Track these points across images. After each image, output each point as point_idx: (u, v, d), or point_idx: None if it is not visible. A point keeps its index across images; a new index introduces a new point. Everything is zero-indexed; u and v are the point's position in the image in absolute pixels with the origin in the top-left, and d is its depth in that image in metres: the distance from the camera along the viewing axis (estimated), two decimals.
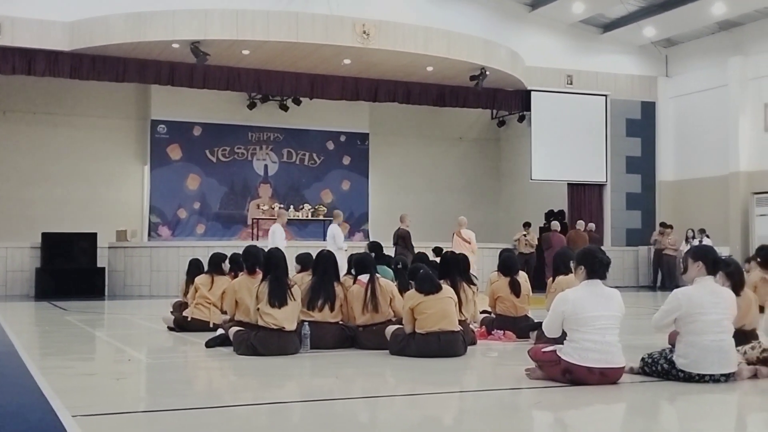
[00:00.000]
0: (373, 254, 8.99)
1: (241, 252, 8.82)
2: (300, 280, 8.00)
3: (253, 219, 21.12)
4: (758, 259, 8.41)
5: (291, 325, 7.18)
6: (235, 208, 21.74)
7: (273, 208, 20.88)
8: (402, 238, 16.68)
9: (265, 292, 7.15)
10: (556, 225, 19.63)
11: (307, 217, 21.17)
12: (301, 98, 20.64)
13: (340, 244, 15.56)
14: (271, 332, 7.08)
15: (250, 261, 8.07)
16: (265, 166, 22.20)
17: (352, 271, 8.04)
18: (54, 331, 10.04)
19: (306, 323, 7.44)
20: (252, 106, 21.50)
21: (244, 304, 7.68)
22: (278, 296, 7.12)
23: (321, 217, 21.38)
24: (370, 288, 7.69)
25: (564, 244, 18.38)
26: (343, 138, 23.06)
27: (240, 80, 18.55)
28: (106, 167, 20.99)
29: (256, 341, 7.07)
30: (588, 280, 5.59)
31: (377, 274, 7.89)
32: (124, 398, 5.29)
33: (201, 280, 9.53)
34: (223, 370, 6.69)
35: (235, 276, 9.08)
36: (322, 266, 7.88)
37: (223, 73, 18.30)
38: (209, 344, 7.73)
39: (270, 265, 7.36)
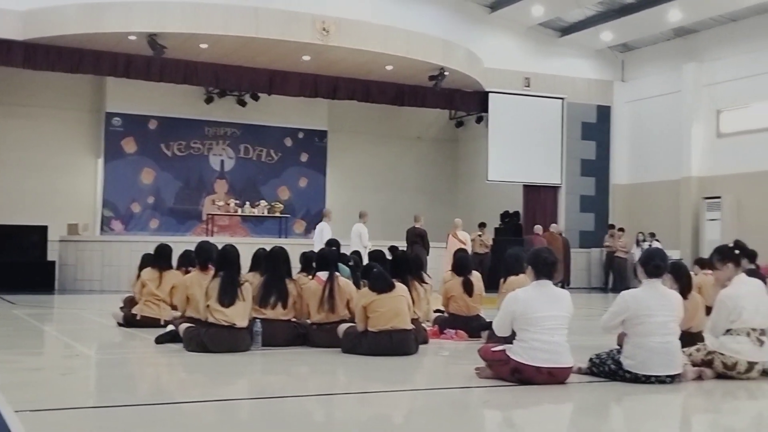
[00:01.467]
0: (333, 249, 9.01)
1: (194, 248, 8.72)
2: (252, 278, 7.95)
3: (208, 215, 20.93)
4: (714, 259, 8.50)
5: (242, 322, 7.14)
6: (190, 204, 21.53)
7: (228, 204, 20.76)
8: (420, 237, 17.22)
9: (215, 289, 7.10)
10: (538, 228, 19.99)
11: (264, 213, 21.05)
12: (260, 94, 20.52)
13: (365, 242, 16.07)
14: (221, 329, 7.03)
15: (203, 257, 8.00)
16: (222, 162, 22.02)
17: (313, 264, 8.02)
18: (0, 325, 9.85)
19: (257, 320, 7.40)
20: (209, 100, 21.32)
21: (195, 301, 7.62)
22: (228, 294, 7.08)
23: (277, 214, 21.28)
24: (329, 287, 7.68)
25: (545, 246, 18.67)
26: (301, 135, 22.98)
27: (197, 74, 18.38)
28: (58, 159, 20.64)
29: (207, 338, 7.02)
30: (537, 280, 5.65)
31: (337, 273, 7.87)
32: (70, 394, 5.21)
33: (148, 275, 9.33)
34: (173, 367, 6.63)
35: (188, 272, 8.98)
36: (273, 263, 7.84)
37: (180, 67, 18.11)
38: (159, 340, 7.67)
39: (222, 262, 7.31)
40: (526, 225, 21.97)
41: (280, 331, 7.61)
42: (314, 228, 22.65)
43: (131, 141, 21.02)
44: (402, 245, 16.00)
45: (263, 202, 21.13)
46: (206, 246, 8.24)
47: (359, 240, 16.06)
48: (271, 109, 21.80)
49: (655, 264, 5.74)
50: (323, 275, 7.79)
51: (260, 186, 22.32)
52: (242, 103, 21.44)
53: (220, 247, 7.70)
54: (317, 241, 15.23)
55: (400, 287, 7.39)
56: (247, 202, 21.03)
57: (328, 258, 7.97)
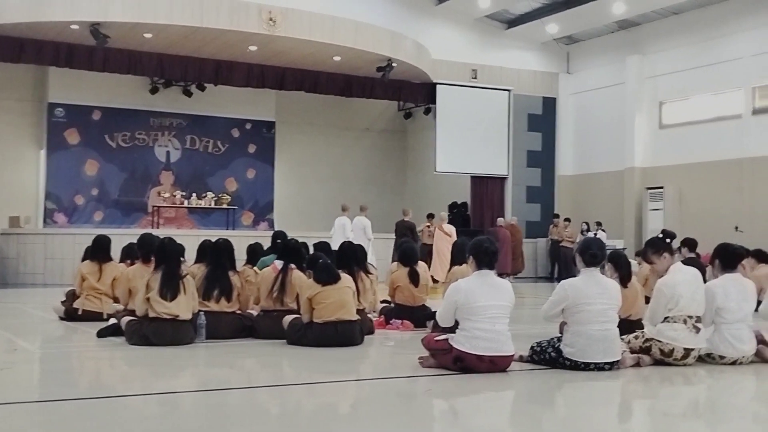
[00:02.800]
0: (278, 241, 8.98)
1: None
2: (196, 270, 7.90)
3: (154, 207, 20.71)
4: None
5: (185, 314, 7.10)
6: (136, 196, 21.26)
7: (174, 196, 20.54)
8: (410, 230, 17.58)
9: (156, 282, 7.04)
10: (505, 220, 20.29)
11: (210, 205, 20.91)
12: (206, 84, 20.33)
13: (369, 235, 16.39)
14: (164, 322, 6.98)
15: (145, 249, 7.92)
16: (168, 153, 21.78)
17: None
18: None
19: (201, 313, 7.36)
20: (154, 90, 21.05)
21: (137, 294, 7.53)
22: (169, 287, 7.03)
23: (224, 206, 21.15)
24: (281, 277, 7.69)
25: (508, 239, 19.42)
26: (248, 126, 22.83)
27: (142, 64, 18.13)
28: None
29: (150, 331, 6.97)
30: (479, 270, 5.71)
31: (292, 265, 7.84)
32: (10, 389, 5.12)
33: (87, 268, 9.15)
34: (115, 360, 6.56)
35: (132, 265, 8.87)
36: (217, 256, 7.81)
37: (124, 57, 17.84)
38: (101, 334, 7.58)
39: (161, 256, 7.26)
40: (474, 215, 22.17)
41: (225, 324, 7.58)
42: (263, 220, 22.75)
43: (74, 132, 20.66)
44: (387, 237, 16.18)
45: (210, 194, 20.97)
46: (148, 238, 8.17)
47: (363, 233, 16.20)
48: (217, 99, 21.61)
49: (592, 253, 5.85)
50: (279, 264, 7.79)
51: (207, 178, 22.13)
52: (188, 94, 21.21)
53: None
54: (338, 236, 15.39)
55: (345, 278, 7.41)
56: (194, 194, 20.86)
57: (289, 248, 7.96)
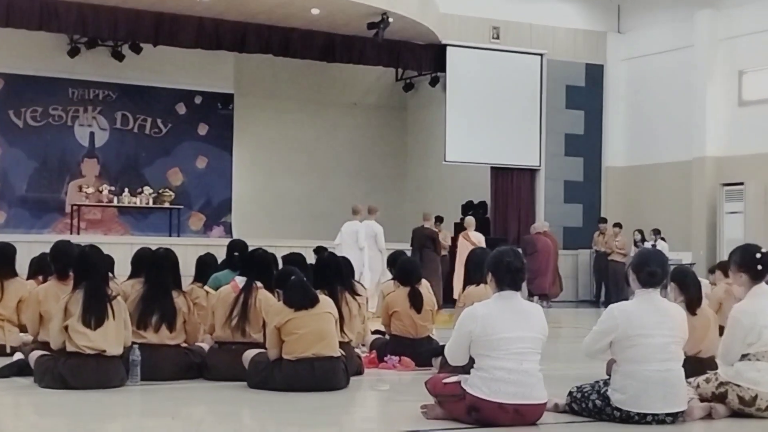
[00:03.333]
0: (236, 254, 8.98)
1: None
2: (130, 289, 7.89)
3: (73, 205, 20.66)
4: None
5: (114, 348, 7.08)
6: (49, 191, 21.20)
7: (101, 191, 20.50)
8: (431, 240, 17.81)
9: (77, 304, 7.02)
10: (543, 225, 20.51)
11: (148, 204, 20.84)
12: (142, 44, 20.28)
13: (381, 245, 16.47)
14: (86, 358, 6.95)
15: (61, 262, 7.90)
16: (91, 135, 21.71)
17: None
18: None
19: (136, 346, 7.34)
20: (74, 52, 20.99)
21: (50, 320, 7.52)
22: (94, 311, 7.00)
23: (167, 205, 21.10)
24: (243, 297, 7.70)
25: (551, 250, 19.86)
26: (198, 99, 22.78)
27: (58, 17, 18.06)
28: None
29: (66, 370, 6.93)
30: (500, 291, 5.72)
31: (258, 284, 7.85)
32: None
33: None
34: (21, 408, 6.55)
35: (44, 282, 8.86)
36: (157, 271, 7.80)
37: (34, 7, 17.78)
38: (3, 373, 7.55)
39: (83, 268, 7.24)
40: (496, 219, 22.16)
41: (166, 360, 7.56)
42: (218, 224, 22.71)
43: None
44: (397, 247, 16.29)
45: (148, 190, 20.90)
46: (65, 247, 8.14)
47: (374, 241, 16.30)
48: (157, 64, 21.55)
49: (650, 270, 5.85)
50: (241, 281, 7.82)
51: (143, 168, 22.08)
52: (119, 57, 21.16)
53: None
54: (348, 247, 15.72)
55: (325, 301, 7.40)
56: (126, 189, 20.79)
57: (258, 260, 8.02)
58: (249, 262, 8.14)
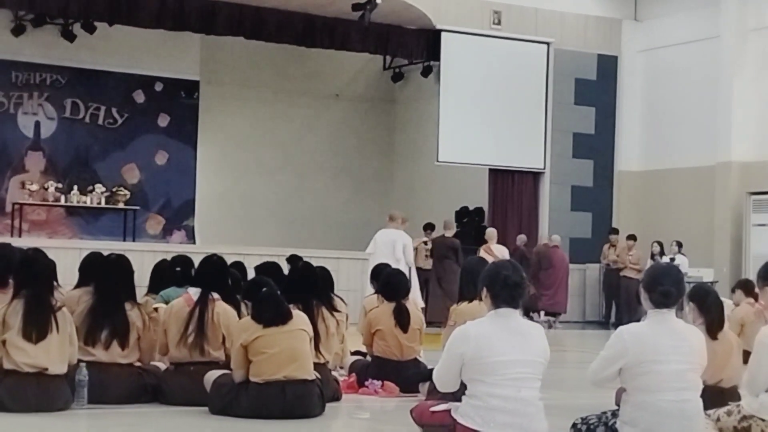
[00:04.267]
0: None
1: None
2: (76, 300, 7.86)
3: (14, 204, 20.60)
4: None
5: (57, 366, 7.06)
6: None
7: (46, 189, 20.43)
8: (453, 251, 18.16)
9: (16, 315, 7.00)
10: (557, 238, 20.80)
11: (100, 204, 20.79)
12: (96, 23, 20.24)
13: (409, 257, 16.61)
14: (25, 377, 6.94)
15: (0, 267, 7.87)
16: (37, 124, 21.64)
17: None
18: None
19: (83, 365, 7.32)
20: (19, 30, 20.92)
21: None
22: (35, 325, 6.99)
23: (121, 205, 21.05)
24: (199, 311, 7.69)
25: (566, 265, 20.38)
26: (159, 87, 22.73)
27: None
28: None
29: (3, 391, 6.92)
30: (496, 309, 5.72)
31: (215, 295, 7.85)
32: None
33: None
34: None
35: None
36: (108, 279, 7.79)
37: None
38: None
39: (25, 275, 7.22)
40: (495, 227, 22.16)
41: (118, 381, 7.55)
42: (179, 228, 22.66)
43: None
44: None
45: (100, 188, 20.86)
46: (5, 251, 8.12)
47: (402, 253, 16.31)
48: (113, 46, 21.51)
49: (663, 290, 5.86)
50: (195, 293, 7.80)
51: (96, 163, 22.02)
52: (70, 37, 21.10)
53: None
54: (384, 257, 15.54)
55: (299, 317, 7.41)
56: (75, 187, 20.74)
57: (214, 268, 8.04)
58: (203, 271, 8.12)
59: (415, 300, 13.62)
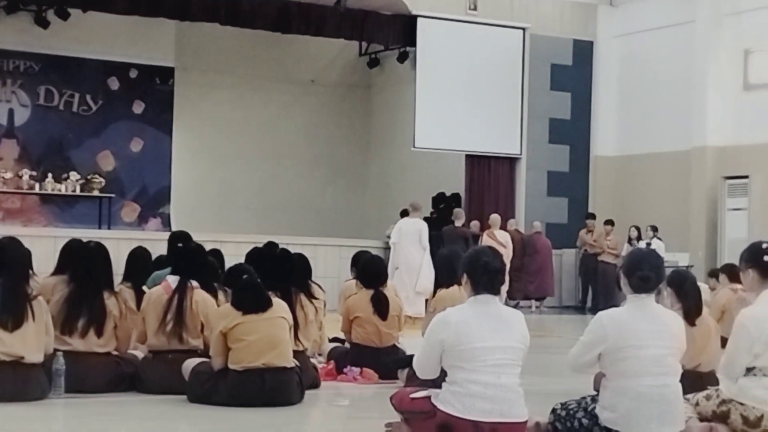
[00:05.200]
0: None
1: None
2: (51, 288, 7.82)
3: None
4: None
5: (33, 355, 7.04)
6: None
7: (20, 177, 20.34)
8: (466, 241, 17.97)
9: None
10: (537, 225, 21.11)
11: (75, 191, 20.72)
12: (70, 9, 20.13)
13: (425, 242, 16.67)
14: (1, 366, 6.92)
15: None
16: (10, 112, 21.52)
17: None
18: None
19: (60, 354, 7.29)
20: None
21: None
22: (11, 313, 6.97)
23: (96, 193, 20.97)
24: (177, 299, 7.68)
25: (550, 250, 20.75)
26: (134, 73, 22.64)
27: None
28: None
29: None
30: (476, 295, 5.71)
31: (194, 282, 7.84)
32: None
33: None
34: None
35: None
36: (85, 267, 7.76)
37: None
38: None
39: (1, 262, 7.18)
40: (471, 214, 22.19)
41: (95, 370, 7.53)
42: (154, 216, 22.60)
43: None
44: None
45: (74, 175, 20.78)
46: None
47: (418, 240, 16.53)
48: (87, 33, 21.40)
49: (642, 275, 5.86)
50: (173, 280, 7.79)
51: (70, 150, 21.92)
52: (43, 23, 20.99)
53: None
54: (409, 247, 16.08)
55: (279, 305, 7.40)
56: (50, 175, 20.65)
57: (195, 255, 8.00)
58: (181, 258, 8.11)
59: (425, 286, 13.93)
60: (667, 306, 6.80)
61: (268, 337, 7.14)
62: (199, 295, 7.81)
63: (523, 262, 20.60)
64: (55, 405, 7.01)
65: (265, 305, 7.22)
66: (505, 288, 18.70)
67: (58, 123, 21.99)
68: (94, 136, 22.28)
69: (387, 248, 19.28)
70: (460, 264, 5.98)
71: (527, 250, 20.73)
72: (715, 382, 6.68)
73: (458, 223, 19.13)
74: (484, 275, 5.68)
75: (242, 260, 8.63)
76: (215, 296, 8.33)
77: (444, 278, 8.34)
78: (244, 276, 7.45)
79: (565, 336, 14.44)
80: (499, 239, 18.60)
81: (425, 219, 20.36)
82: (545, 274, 21.00)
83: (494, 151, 22.13)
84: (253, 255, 9.01)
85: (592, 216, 21.96)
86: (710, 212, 20.85)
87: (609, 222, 21.49)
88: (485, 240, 18.58)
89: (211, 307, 7.83)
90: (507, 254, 18.35)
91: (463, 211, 19.97)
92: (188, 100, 23.40)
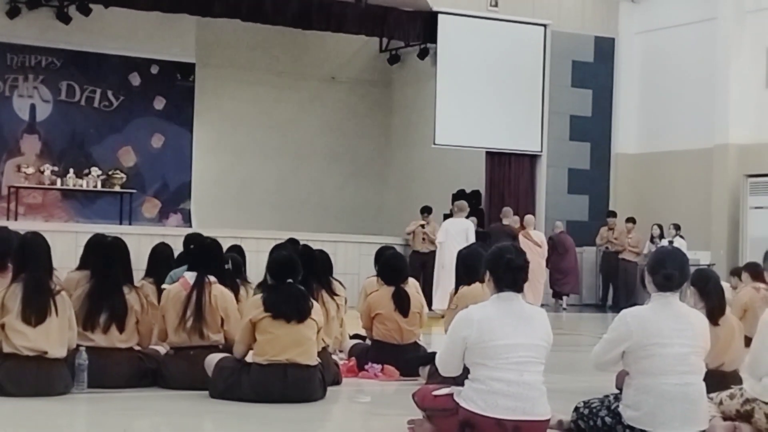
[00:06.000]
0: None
1: None
2: (75, 283, 7.84)
3: (10, 187, 20.56)
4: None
5: (56, 350, 7.06)
6: None
7: (42, 172, 20.41)
8: (514, 239, 18.14)
9: (15, 299, 7.00)
10: (559, 225, 21.20)
11: (96, 187, 20.76)
12: (92, 5, 20.18)
13: (472, 241, 16.59)
14: (25, 361, 6.94)
15: None
16: (32, 107, 21.57)
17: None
18: None
19: (82, 349, 7.32)
20: (14, 13, 20.85)
21: None
22: (35, 308, 6.98)
23: (117, 188, 21.02)
24: (196, 294, 7.69)
25: (574, 246, 21.01)
26: (155, 69, 22.66)
27: None
28: None
29: (2, 375, 6.93)
30: (499, 293, 5.71)
31: (211, 278, 7.87)
32: None
33: None
34: None
35: None
36: (106, 262, 7.78)
37: None
38: None
39: (24, 258, 7.21)
40: (491, 211, 22.16)
41: (117, 365, 7.55)
42: (175, 211, 22.64)
43: None
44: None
45: (95, 171, 20.82)
46: (4, 234, 8.10)
47: (465, 240, 16.58)
48: (109, 29, 21.45)
49: (666, 273, 5.85)
50: (191, 277, 7.80)
51: (91, 146, 21.96)
52: (65, 19, 21.04)
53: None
54: (460, 244, 15.92)
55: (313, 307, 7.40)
56: (71, 170, 20.70)
57: (208, 252, 8.01)
58: (199, 254, 8.13)
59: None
60: (690, 305, 6.79)
61: (294, 334, 7.16)
62: (217, 290, 7.83)
63: (552, 261, 20.61)
64: (77, 400, 7.03)
65: (301, 317, 7.21)
66: (543, 289, 19.08)
67: (80, 118, 22.03)
68: (116, 131, 22.31)
69: (406, 245, 19.42)
70: (481, 262, 5.99)
71: (558, 248, 20.78)
72: (739, 381, 6.67)
73: (506, 221, 19.39)
74: (508, 272, 5.69)
75: (264, 256, 8.63)
76: (237, 291, 8.37)
77: (464, 276, 8.34)
78: (289, 280, 7.41)
79: (587, 334, 14.40)
80: (534, 239, 18.80)
81: (444, 216, 20.45)
82: (573, 273, 21.17)
83: (515, 148, 22.10)
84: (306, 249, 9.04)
85: (613, 214, 21.91)
86: (732, 210, 20.77)
87: (630, 220, 21.45)
88: (522, 241, 18.57)
89: (230, 301, 7.89)
90: (542, 254, 18.87)
91: (511, 209, 20.10)
92: (209, 96, 23.44)
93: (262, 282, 8.15)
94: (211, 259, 8.09)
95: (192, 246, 9.02)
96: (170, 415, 6.71)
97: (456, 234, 17.12)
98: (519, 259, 5.75)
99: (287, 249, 9.04)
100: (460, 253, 8.96)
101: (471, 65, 21.43)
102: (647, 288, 5.99)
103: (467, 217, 18.63)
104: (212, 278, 7.87)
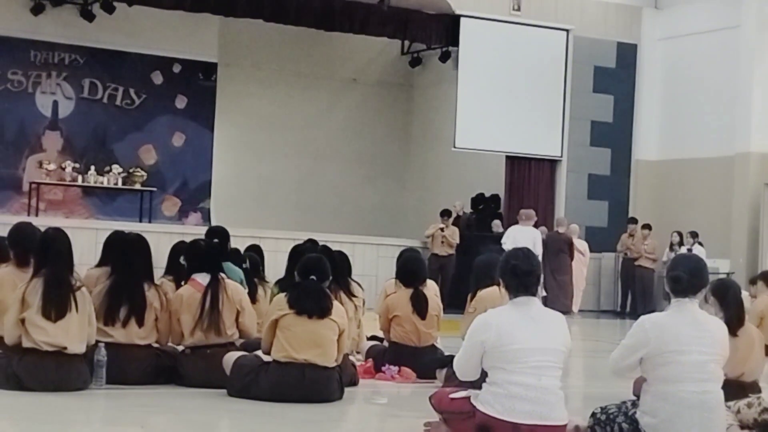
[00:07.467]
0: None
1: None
2: (95, 280, 7.86)
3: (32, 184, 20.62)
4: None
5: (76, 346, 7.08)
6: (5, 166, 21.15)
7: (63, 168, 20.46)
8: (569, 246, 19.06)
9: (36, 294, 7.01)
10: (575, 228, 21.02)
11: (117, 184, 20.78)
12: (115, 3, 20.25)
13: (539, 250, 17.49)
14: (45, 356, 6.96)
15: (20, 246, 7.86)
16: (55, 104, 21.65)
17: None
18: None
19: (101, 345, 7.34)
20: (38, 10, 20.92)
21: (6, 311, 7.51)
22: (55, 304, 7.00)
23: (137, 186, 21.04)
24: (210, 295, 7.69)
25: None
26: (177, 68, 22.71)
27: None
28: None
29: (21, 369, 6.95)
30: (515, 298, 5.70)
31: (223, 275, 7.90)
32: None
33: None
34: None
35: None
36: (126, 259, 7.79)
37: None
38: None
39: (45, 253, 7.22)
40: (510, 215, 22.14)
41: (135, 362, 7.57)
42: (195, 210, 22.69)
43: None
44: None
45: (116, 168, 20.86)
46: (26, 230, 8.10)
47: (532, 248, 16.54)
48: (132, 27, 21.51)
49: (673, 275, 5.83)
50: (202, 278, 7.80)
51: (113, 143, 22.03)
52: (89, 17, 21.11)
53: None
54: None
55: (335, 308, 7.41)
56: (92, 167, 20.74)
57: (209, 253, 7.97)
58: (210, 256, 8.09)
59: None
60: (711, 314, 6.76)
61: (314, 333, 7.17)
62: (231, 286, 7.90)
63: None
64: (96, 395, 7.05)
65: (323, 313, 7.22)
66: (581, 296, 19.30)
67: (102, 116, 22.10)
68: (137, 129, 22.38)
69: (425, 248, 19.40)
70: (495, 268, 6.03)
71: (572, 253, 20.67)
72: (758, 391, 6.65)
73: (561, 230, 19.82)
74: (514, 278, 5.71)
75: (283, 256, 8.66)
76: (255, 290, 8.37)
77: (483, 279, 8.31)
78: (312, 276, 7.42)
79: (605, 340, 14.37)
80: (578, 248, 19.12)
81: (457, 218, 20.49)
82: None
83: (535, 153, 22.08)
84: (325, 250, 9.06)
85: (634, 220, 21.85)
86: (752, 219, 20.71)
87: (646, 226, 21.42)
88: None
89: (243, 294, 7.97)
90: (585, 262, 19.45)
91: (565, 218, 20.53)
92: (230, 96, 23.47)
93: (281, 279, 8.15)
94: (220, 257, 8.14)
95: (215, 239, 9.05)
96: (187, 412, 6.72)
97: (524, 242, 16.85)
98: (525, 264, 5.74)
99: (315, 251, 9.06)
100: (477, 260, 8.95)
101: (492, 69, 21.42)
102: (669, 293, 5.98)
103: (535, 226, 18.71)
104: (223, 276, 7.92)
